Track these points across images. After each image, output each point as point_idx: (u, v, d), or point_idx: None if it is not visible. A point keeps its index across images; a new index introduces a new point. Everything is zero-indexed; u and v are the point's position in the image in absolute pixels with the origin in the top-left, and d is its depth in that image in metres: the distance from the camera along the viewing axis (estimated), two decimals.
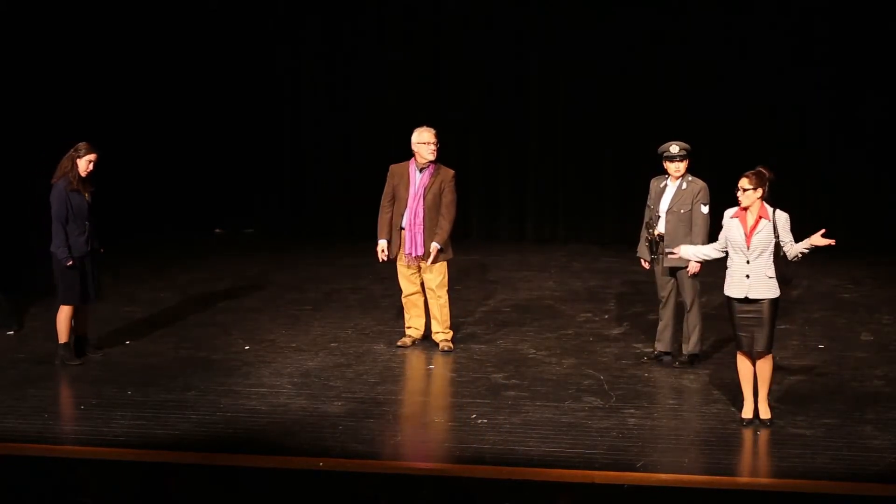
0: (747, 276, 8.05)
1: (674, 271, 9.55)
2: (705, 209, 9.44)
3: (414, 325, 10.34)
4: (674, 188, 9.53)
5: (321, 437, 7.99)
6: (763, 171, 8.12)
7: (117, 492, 7.41)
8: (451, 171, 10.12)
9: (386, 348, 10.25)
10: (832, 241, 7.99)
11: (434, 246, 9.95)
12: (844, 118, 15.00)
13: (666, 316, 9.70)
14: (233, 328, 10.94)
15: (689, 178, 9.52)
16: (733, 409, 8.52)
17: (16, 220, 13.17)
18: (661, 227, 9.54)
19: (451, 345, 10.19)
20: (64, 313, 9.65)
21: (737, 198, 8.11)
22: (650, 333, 10.33)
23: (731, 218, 8.18)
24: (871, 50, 14.81)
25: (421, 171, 10.02)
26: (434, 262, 10.01)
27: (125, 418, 8.35)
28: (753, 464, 7.52)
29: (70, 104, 14.62)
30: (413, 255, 10.00)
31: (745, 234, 8.06)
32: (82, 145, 9.63)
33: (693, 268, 9.39)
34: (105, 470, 7.57)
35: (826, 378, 9.27)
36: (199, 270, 13.80)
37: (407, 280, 10.18)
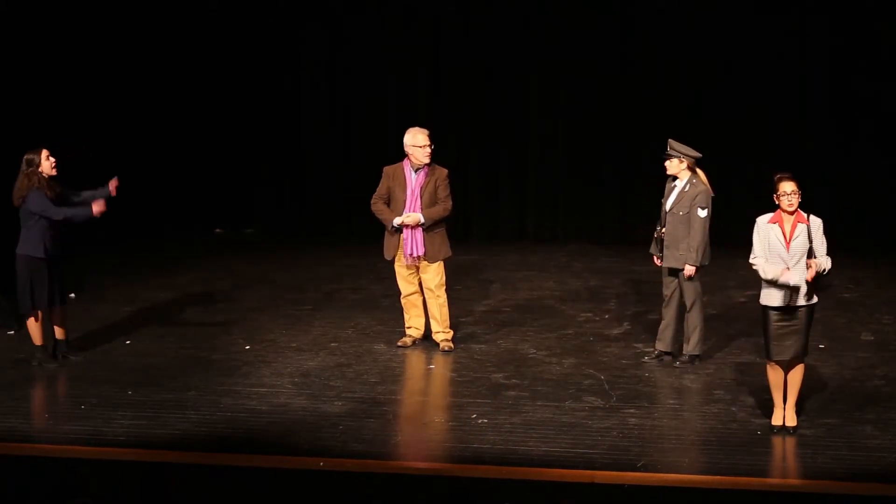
0: (788, 284, 7.91)
1: (675, 271, 9.55)
2: (702, 213, 9.42)
3: (414, 324, 10.34)
4: (678, 189, 9.54)
5: (321, 437, 7.99)
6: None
7: (117, 492, 7.40)
8: (445, 171, 10.13)
9: (386, 348, 10.25)
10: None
11: (417, 216, 9.91)
12: (844, 117, 14.99)
13: (668, 315, 9.70)
14: (233, 328, 10.94)
15: (694, 181, 9.50)
16: (733, 408, 8.52)
17: (15, 220, 13.15)
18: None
19: (452, 344, 10.19)
20: (32, 319, 9.63)
21: (778, 202, 7.89)
22: (650, 333, 10.33)
23: (769, 223, 7.95)
24: (873, 50, 14.80)
25: (416, 171, 10.02)
26: (432, 260, 10.01)
27: (125, 418, 8.35)
28: (753, 464, 7.50)
29: (70, 104, 14.61)
30: (413, 255, 10.01)
31: (785, 240, 7.90)
32: (30, 157, 9.50)
33: (689, 270, 9.40)
34: (105, 470, 7.56)
35: (826, 378, 9.27)
36: (199, 270, 13.80)
37: (405, 281, 10.18)
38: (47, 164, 9.54)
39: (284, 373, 9.48)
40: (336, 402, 8.72)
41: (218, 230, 16.74)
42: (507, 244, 15.58)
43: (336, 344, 10.40)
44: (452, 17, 15.92)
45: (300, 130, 16.49)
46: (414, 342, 10.32)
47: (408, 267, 10.10)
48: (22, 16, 14.08)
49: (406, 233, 9.98)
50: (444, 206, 10.02)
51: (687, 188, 9.49)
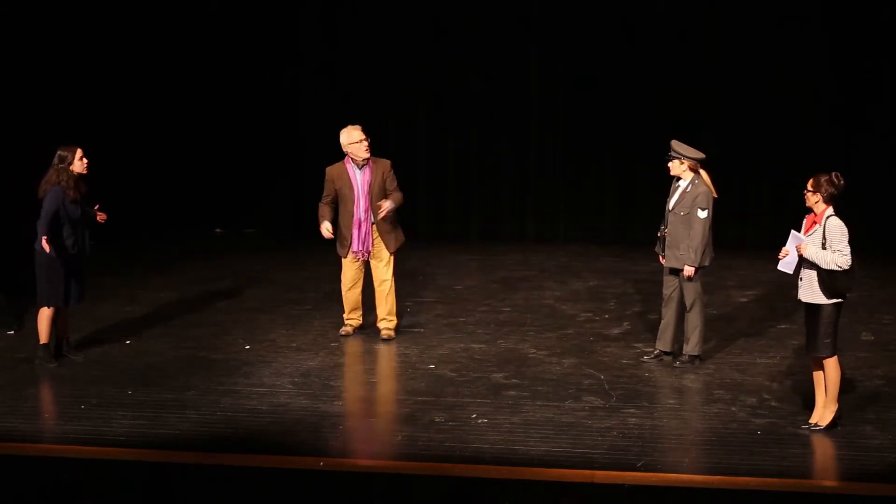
0: (801, 279, 8.02)
1: (676, 271, 9.55)
2: (702, 214, 9.42)
3: (354, 316, 10.65)
4: (680, 189, 9.54)
5: (321, 437, 7.99)
6: (832, 177, 7.92)
7: (117, 492, 7.40)
8: (388, 161, 10.39)
9: (386, 348, 10.26)
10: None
11: (388, 204, 10.12)
12: (845, 117, 14.99)
13: (667, 315, 9.70)
14: (233, 328, 10.94)
15: (696, 182, 9.49)
16: (734, 408, 8.53)
17: (16, 219, 13.15)
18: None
19: (393, 333, 10.43)
20: (45, 314, 9.59)
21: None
22: (650, 333, 10.34)
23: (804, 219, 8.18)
24: (875, 51, 14.80)
25: (360, 168, 10.15)
26: (392, 248, 10.30)
27: (125, 418, 8.35)
28: (753, 464, 7.50)
29: (71, 104, 14.60)
30: (362, 250, 10.27)
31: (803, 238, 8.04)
32: (63, 153, 9.44)
33: (688, 271, 9.41)
34: (105, 470, 7.56)
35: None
36: (199, 270, 13.80)
37: (351, 273, 10.43)
38: (79, 164, 9.50)
39: (284, 373, 9.48)
40: (336, 402, 8.72)
41: (218, 230, 16.74)
42: (508, 244, 15.57)
43: (336, 344, 10.40)
44: (453, 17, 15.91)
45: (300, 130, 16.49)
46: (354, 331, 10.60)
47: (355, 261, 10.36)
48: (23, 16, 14.08)
49: (354, 231, 10.24)
50: (401, 195, 10.31)
51: (689, 188, 9.49)
